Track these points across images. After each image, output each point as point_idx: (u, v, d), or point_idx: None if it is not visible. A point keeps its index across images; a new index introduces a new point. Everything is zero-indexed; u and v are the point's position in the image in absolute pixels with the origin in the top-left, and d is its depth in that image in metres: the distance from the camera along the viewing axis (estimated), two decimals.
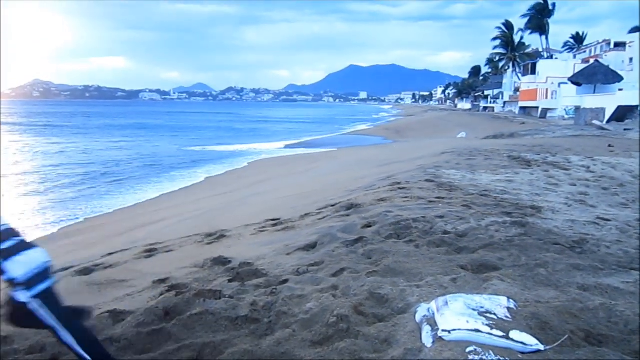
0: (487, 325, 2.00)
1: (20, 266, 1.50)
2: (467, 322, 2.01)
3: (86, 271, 4.13)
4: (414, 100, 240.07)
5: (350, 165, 14.19)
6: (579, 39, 66.42)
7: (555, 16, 59.25)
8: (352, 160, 16.22)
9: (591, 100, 32.87)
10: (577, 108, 34.40)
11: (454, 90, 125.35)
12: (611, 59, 42.88)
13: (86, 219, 10.52)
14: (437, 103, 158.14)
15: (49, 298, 1.56)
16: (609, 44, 49.36)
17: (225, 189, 12.89)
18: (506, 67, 66.53)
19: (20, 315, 1.54)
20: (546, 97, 44.51)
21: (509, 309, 2.20)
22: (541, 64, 49.02)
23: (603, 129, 24.68)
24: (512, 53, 62.62)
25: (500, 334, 1.96)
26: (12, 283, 1.50)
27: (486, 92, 76.53)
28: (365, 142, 28.73)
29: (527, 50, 62.98)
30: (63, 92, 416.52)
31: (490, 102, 70.00)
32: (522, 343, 1.93)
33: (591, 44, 57.14)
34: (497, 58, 69.70)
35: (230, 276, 3.43)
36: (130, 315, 2.73)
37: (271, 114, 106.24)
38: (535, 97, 46.47)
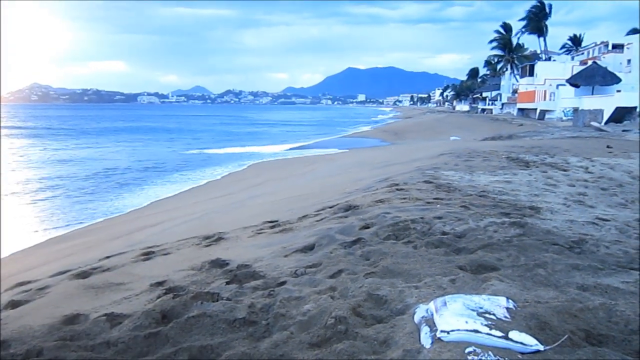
0: (486, 325, 1.98)
1: None
2: (466, 322, 2.00)
3: (84, 274, 4.11)
4: (412, 103, 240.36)
5: (349, 167, 14.18)
6: (576, 40, 66.59)
7: (553, 18, 59.49)
8: (351, 162, 16.21)
9: (589, 102, 32.95)
10: (576, 109, 34.46)
11: (452, 92, 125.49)
12: (609, 61, 43.05)
13: (84, 223, 10.51)
14: (435, 105, 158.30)
15: None
16: (606, 45, 49.56)
17: (224, 191, 12.89)
18: (504, 69, 66.69)
19: None
20: (544, 99, 44.57)
21: (508, 309, 2.18)
22: (539, 66, 49.12)
23: (601, 130, 24.73)
24: (510, 55, 62.77)
25: (500, 334, 1.94)
26: None
27: (484, 94, 76.68)
28: (363, 144, 28.74)
29: (525, 52, 63.15)
30: (62, 96, 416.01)
31: (489, 104, 70.07)
32: (521, 343, 1.91)
33: (589, 45, 57.31)
34: (495, 60, 69.86)
35: (228, 278, 3.42)
36: (128, 318, 2.72)
37: (270, 116, 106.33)
38: (534, 98, 46.55)
